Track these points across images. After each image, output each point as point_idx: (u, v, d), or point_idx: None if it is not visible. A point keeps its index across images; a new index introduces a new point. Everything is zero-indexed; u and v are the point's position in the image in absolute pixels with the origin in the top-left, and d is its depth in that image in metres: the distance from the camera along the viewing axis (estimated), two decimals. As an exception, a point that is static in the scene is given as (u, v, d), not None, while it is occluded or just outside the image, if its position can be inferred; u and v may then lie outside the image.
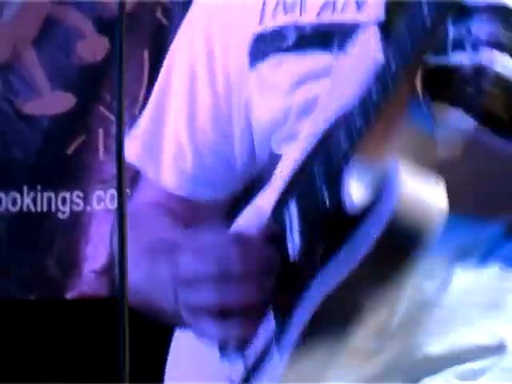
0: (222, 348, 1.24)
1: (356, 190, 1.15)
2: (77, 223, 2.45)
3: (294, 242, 1.25)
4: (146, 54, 2.40)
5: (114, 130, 2.29)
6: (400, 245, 1.07)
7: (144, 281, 1.29)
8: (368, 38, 1.27)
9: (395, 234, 1.07)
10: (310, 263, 1.20)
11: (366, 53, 1.25)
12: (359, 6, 1.35)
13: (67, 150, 2.46)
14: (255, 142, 1.38)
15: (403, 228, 1.07)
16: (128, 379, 1.11)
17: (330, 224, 1.18)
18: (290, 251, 1.22)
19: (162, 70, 1.42)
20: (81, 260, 2.44)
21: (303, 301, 1.18)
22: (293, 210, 1.27)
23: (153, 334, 2.68)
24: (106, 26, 2.43)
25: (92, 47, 2.45)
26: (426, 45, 1.08)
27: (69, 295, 2.48)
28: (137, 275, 1.20)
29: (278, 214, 1.27)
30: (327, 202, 1.19)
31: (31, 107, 2.47)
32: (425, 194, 1.09)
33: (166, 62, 1.42)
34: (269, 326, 1.23)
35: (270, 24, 1.38)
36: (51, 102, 2.49)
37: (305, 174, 1.26)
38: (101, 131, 2.44)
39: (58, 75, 2.51)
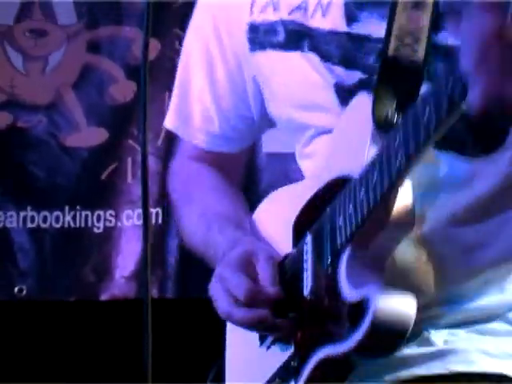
0: (261, 336, 1.43)
1: (346, 286, 1.31)
2: (109, 237, 2.79)
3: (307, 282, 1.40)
4: (166, 96, 2.67)
5: (139, 158, 2.51)
6: (378, 348, 1.25)
7: (202, 242, 1.55)
8: (362, 103, 1.45)
9: (373, 344, 1.24)
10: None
11: (360, 118, 1.43)
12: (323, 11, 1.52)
13: (101, 176, 2.81)
14: (266, 105, 1.56)
15: (380, 339, 1.23)
16: (151, 372, 1.26)
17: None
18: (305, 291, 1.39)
19: (181, 57, 1.65)
20: (112, 267, 2.78)
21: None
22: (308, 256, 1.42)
23: (175, 331, 2.95)
24: (133, 72, 2.78)
25: (122, 90, 2.80)
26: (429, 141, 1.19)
27: (102, 297, 2.83)
28: (195, 236, 1.53)
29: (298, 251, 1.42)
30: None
31: (71, 140, 2.83)
32: (397, 311, 1.25)
33: (182, 52, 1.65)
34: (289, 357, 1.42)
35: (260, 17, 1.56)
36: (88, 135, 2.84)
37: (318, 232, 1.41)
38: (129, 160, 2.78)
39: (94, 113, 2.86)
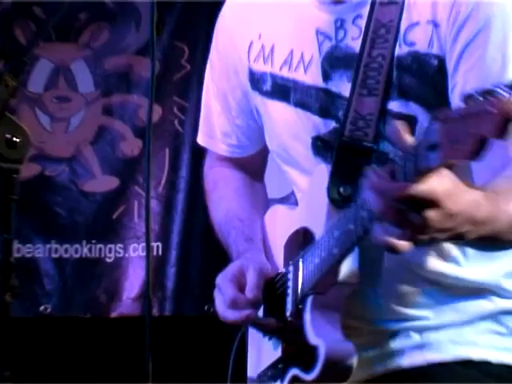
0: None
1: (314, 326, 1.54)
2: (119, 265, 3.18)
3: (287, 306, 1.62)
4: (166, 151, 3.17)
5: (144, 201, 3.08)
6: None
7: (222, 239, 1.81)
8: (321, 176, 1.61)
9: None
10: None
11: (320, 187, 1.58)
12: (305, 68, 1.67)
13: (113, 216, 3.21)
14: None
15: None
16: (151, 375, 1.44)
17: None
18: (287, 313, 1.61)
19: (203, 91, 1.91)
20: (121, 290, 3.16)
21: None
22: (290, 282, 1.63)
23: (173, 344, 3.29)
24: (140, 131, 3.17)
25: (130, 146, 3.19)
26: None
27: (112, 315, 3.19)
28: (220, 232, 1.80)
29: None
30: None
31: (88, 186, 3.21)
32: (341, 359, 1.48)
33: (204, 87, 1.91)
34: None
35: (254, 66, 1.75)
36: (102, 182, 3.23)
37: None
38: (135, 203, 3.17)
39: (107, 164, 3.23)
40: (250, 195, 1.91)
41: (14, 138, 1.53)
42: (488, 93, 1.16)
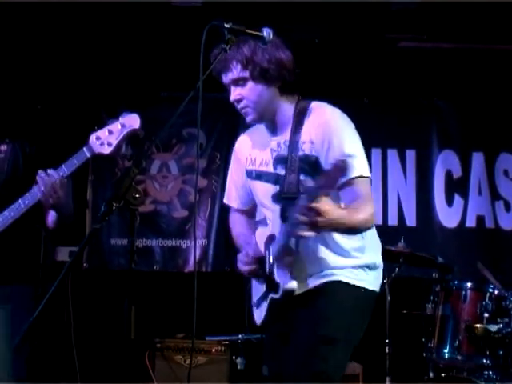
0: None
1: (278, 274, 2.93)
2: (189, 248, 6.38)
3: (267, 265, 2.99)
4: (209, 201, 6.27)
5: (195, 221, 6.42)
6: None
7: (238, 246, 3.24)
8: (277, 211, 2.94)
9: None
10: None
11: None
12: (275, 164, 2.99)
13: (185, 227, 6.43)
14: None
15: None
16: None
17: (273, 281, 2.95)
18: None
19: (228, 174, 3.26)
20: (189, 260, 6.35)
21: None
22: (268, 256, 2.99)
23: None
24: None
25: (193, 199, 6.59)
26: None
27: (185, 271, 6.18)
28: (237, 243, 3.31)
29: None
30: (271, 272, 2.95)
31: (175, 214, 6.51)
32: (292, 288, 2.89)
33: (228, 173, 3.26)
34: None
35: (248, 167, 3.09)
36: (180, 213, 6.34)
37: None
38: (197, 224, 6.55)
39: (183, 205, 6.32)
40: (249, 226, 3.21)
41: (137, 195, 2.64)
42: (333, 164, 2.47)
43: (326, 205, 2.58)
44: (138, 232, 5.15)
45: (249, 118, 2.96)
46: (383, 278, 4.38)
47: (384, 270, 4.51)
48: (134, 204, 2.72)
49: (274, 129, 2.99)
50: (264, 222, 3.17)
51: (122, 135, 3.34)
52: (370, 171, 2.91)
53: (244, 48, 2.87)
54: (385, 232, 5.49)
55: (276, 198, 2.96)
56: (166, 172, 6.16)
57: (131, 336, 2.90)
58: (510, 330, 4.17)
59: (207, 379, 5.00)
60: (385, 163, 6.19)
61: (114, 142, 3.35)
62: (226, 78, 2.93)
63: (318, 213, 2.55)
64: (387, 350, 4.88)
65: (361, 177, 2.80)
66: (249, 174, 3.09)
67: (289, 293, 2.86)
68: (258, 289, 3.09)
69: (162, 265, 6.07)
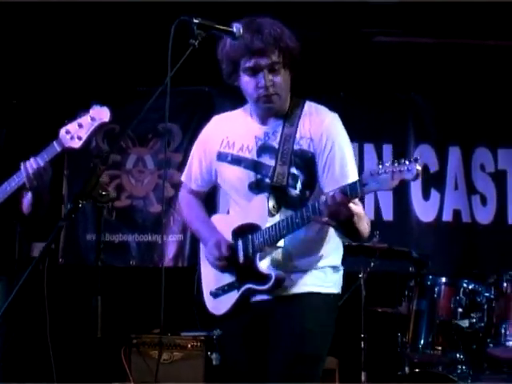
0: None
1: (262, 265, 2.91)
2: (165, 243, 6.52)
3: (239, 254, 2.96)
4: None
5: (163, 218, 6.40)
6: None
7: (196, 231, 3.18)
8: (260, 200, 2.91)
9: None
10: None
11: (261, 204, 2.92)
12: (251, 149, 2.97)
13: (164, 220, 6.54)
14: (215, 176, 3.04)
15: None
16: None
17: (248, 268, 2.93)
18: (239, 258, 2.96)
19: (191, 153, 3.12)
20: (165, 254, 6.48)
21: None
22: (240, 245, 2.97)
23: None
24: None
25: (167, 191, 6.55)
26: None
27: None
28: (192, 228, 3.29)
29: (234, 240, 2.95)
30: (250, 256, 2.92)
31: (152, 209, 6.59)
32: (282, 277, 2.91)
33: (191, 152, 3.15)
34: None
35: (222, 149, 3.02)
36: (156, 208, 6.57)
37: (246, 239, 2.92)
38: (171, 217, 6.63)
39: (158, 199, 6.53)
40: (204, 210, 3.20)
41: (103, 192, 2.75)
42: (393, 163, 2.50)
43: (358, 207, 2.69)
44: (113, 227, 5.65)
45: (271, 106, 2.93)
46: (358, 273, 4.65)
47: (359, 265, 4.77)
48: (101, 201, 2.76)
49: (265, 117, 2.98)
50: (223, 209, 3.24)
51: (91, 128, 3.33)
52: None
53: (282, 34, 2.87)
54: None
55: (255, 186, 2.96)
56: (142, 167, 6.17)
57: (97, 334, 2.87)
58: (482, 324, 4.14)
59: (183, 375, 5.02)
60: (361, 157, 6.15)
61: (84, 136, 3.34)
62: (260, 62, 2.87)
63: (351, 212, 2.63)
64: (362, 345, 4.93)
65: None
66: (222, 156, 3.06)
67: (280, 282, 2.87)
68: (216, 278, 3.05)
69: (139, 260, 6.09)
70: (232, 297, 2.98)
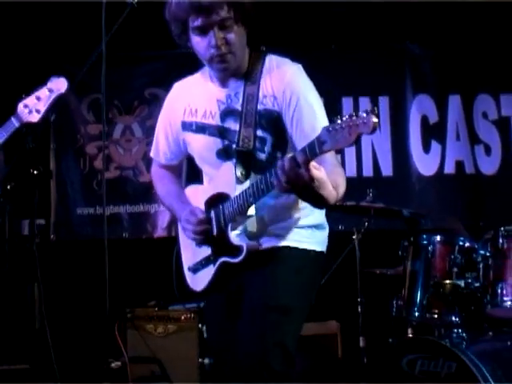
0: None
1: (234, 236, 2.78)
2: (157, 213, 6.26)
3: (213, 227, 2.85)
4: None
5: None
6: None
7: (168, 206, 3.10)
8: (227, 167, 2.77)
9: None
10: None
11: (229, 172, 2.77)
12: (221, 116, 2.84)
13: (153, 192, 6.36)
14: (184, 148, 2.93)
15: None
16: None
17: (221, 240, 2.80)
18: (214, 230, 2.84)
19: (156, 126, 3.04)
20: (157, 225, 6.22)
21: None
22: (214, 214, 2.84)
23: None
24: None
25: None
26: None
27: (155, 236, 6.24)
28: (165, 203, 3.17)
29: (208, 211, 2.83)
30: (223, 229, 2.80)
31: (142, 179, 6.40)
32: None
33: (157, 125, 3.05)
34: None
35: (186, 118, 2.91)
36: (147, 177, 6.33)
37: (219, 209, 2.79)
38: None
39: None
40: (177, 183, 3.11)
41: (35, 171, 2.90)
42: (350, 116, 2.25)
43: (322, 172, 2.46)
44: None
45: (226, 66, 2.78)
46: (353, 234, 4.48)
47: (352, 225, 4.61)
48: (34, 182, 2.65)
49: (224, 79, 2.84)
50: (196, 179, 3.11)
51: (49, 101, 3.30)
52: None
53: None
54: (359, 183, 5.62)
55: (223, 153, 2.85)
56: (130, 135, 6.01)
57: (35, 325, 2.70)
58: (478, 284, 3.93)
59: (178, 347, 4.96)
60: (357, 112, 5.82)
61: (42, 109, 3.32)
62: (208, 20, 2.71)
63: (311, 177, 2.42)
64: (359, 309, 4.79)
65: None
66: (187, 126, 2.95)
67: (252, 253, 2.76)
68: (193, 252, 2.96)
69: (131, 232, 5.96)
70: (209, 272, 2.89)
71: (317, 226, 2.91)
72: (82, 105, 5.96)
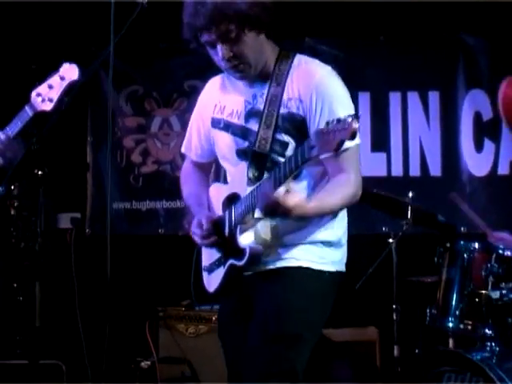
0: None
1: (241, 238, 2.72)
2: None
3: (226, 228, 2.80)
4: None
5: None
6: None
7: (190, 206, 3.00)
8: (241, 167, 2.75)
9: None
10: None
11: (242, 173, 2.74)
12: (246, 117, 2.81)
13: None
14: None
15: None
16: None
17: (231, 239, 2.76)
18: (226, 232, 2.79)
19: (189, 123, 3.02)
20: None
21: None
22: (227, 217, 2.79)
23: None
24: None
25: None
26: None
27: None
28: (188, 202, 3.06)
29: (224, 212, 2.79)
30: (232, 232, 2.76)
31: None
32: (258, 254, 2.71)
33: (190, 121, 3.03)
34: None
35: (215, 115, 2.89)
36: None
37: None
38: None
39: None
40: (200, 184, 3.03)
41: (39, 172, 2.82)
42: (337, 121, 2.22)
43: (293, 198, 2.49)
44: (140, 194, 5.46)
45: (242, 75, 2.76)
46: (389, 237, 4.35)
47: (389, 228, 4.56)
48: (38, 182, 2.67)
49: (252, 78, 2.78)
50: (223, 178, 3.07)
51: (62, 89, 3.23)
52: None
53: None
54: (405, 183, 5.40)
55: (242, 153, 2.80)
56: (168, 129, 5.84)
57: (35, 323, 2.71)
58: (513, 296, 3.68)
59: (209, 348, 4.82)
60: (405, 108, 5.71)
61: (55, 97, 3.24)
62: (210, 36, 2.67)
63: (287, 209, 2.48)
64: (394, 317, 4.56)
65: (355, 145, 2.65)
66: (216, 122, 2.91)
67: (255, 258, 2.71)
68: (210, 252, 2.93)
69: (167, 228, 5.82)
70: (220, 273, 2.85)
71: (333, 244, 2.82)
72: (120, 97, 5.81)
